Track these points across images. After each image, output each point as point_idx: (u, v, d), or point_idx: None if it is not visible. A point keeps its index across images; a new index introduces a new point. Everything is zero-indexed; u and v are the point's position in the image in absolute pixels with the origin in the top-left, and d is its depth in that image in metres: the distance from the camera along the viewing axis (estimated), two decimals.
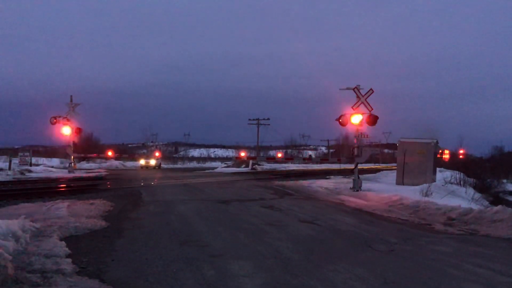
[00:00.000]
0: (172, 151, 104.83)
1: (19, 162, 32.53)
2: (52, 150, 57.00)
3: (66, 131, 28.92)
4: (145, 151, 51.92)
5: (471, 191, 17.70)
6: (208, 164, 68.37)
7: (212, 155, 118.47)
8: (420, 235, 8.41)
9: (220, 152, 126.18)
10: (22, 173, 25.64)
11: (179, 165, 64.05)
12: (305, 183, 20.40)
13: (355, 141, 18.09)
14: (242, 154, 23.90)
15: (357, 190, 16.51)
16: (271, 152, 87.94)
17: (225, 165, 52.91)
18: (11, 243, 5.85)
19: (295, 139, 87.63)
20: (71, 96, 29.66)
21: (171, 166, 57.70)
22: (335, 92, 19.63)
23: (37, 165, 35.07)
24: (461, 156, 54.42)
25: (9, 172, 25.47)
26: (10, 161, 30.73)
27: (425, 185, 15.50)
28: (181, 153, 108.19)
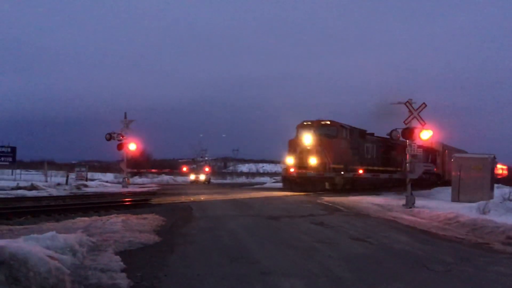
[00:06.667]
0: (221, 166, 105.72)
1: (76, 177, 33.76)
2: (107, 165, 58.86)
3: (120, 147, 29.84)
4: (195, 166, 52.60)
5: None
6: (256, 179, 68.41)
7: (261, 170, 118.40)
8: (478, 254, 8.07)
9: (268, 167, 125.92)
10: (78, 188, 26.60)
11: (228, 180, 64.52)
12: (355, 199, 20.04)
13: (407, 156, 17.65)
14: (292, 170, 23.57)
15: (410, 207, 16.03)
16: None
17: (274, 180, 52.64)
18: (69, 257, 6.05)
19: None
20: (125, 113, 30.61)
21: (220, 181, 58.19)
22: (386, 106, 19.31)
23: (93, 180, 36.28)
24: None
25: (66, 187, 26.52)
26: (67, 176, 31.98)
27: (482, 202, 14.85)
28: (230, 168, 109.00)
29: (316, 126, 25.72)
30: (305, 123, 26.23)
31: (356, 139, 28.07)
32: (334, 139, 25.67)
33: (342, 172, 25.63)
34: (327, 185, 24.85)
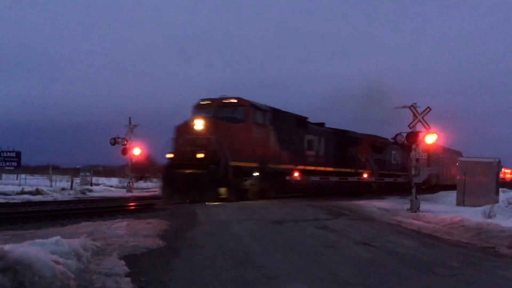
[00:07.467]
0: None
1: (80, 182, 33.81)
2: (111, 170, 58.82)
3: (124, 151, 29.91)
4: None
5: None
6: None
7: None
8: (483, 259, 8.04)
9: None
10: (83, 193, 26.67)
11: None
12: (359, 203, 19.95)
13: (411, 160, 17.58)
14: (296, 174, 23.12)
15: (415, 211, 15.98)
16: None
17: None
18: (74, 262, 6.05)
19: None
20: (130, 117, 30.73)
21: None
22: (390, 110, 19.30)
23: (97, 184, 36.29)
24: None
25: (71, 192, 26.60)
26: (72, 181, 32.04)
27: (488, 206, 14.80)
28: None
29: (217, 106, 18.52)
30: (202, 103, 19.15)
31: (288, 127, 21.03)
32: (239, 124, 18.15)
33: (257, 173, 18.55)
34: (223, 192, 17.10)
